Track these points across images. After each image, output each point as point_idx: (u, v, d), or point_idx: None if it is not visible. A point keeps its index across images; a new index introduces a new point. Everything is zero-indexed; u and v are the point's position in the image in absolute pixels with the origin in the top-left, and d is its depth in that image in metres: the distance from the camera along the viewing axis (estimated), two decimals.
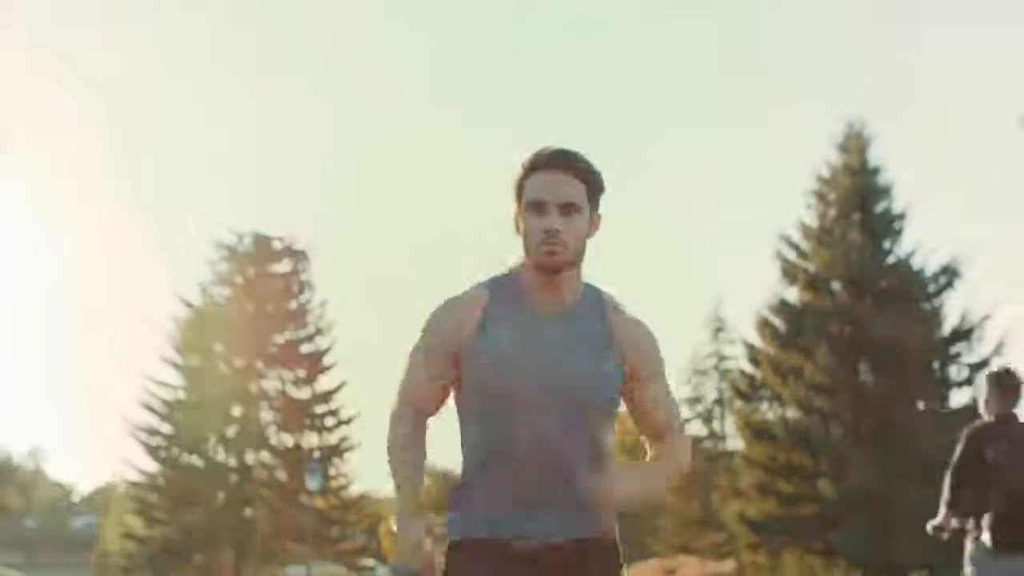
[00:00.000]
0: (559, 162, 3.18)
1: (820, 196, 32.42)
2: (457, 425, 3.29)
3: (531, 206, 3.16)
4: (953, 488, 6.61)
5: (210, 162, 74.01)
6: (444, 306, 3.25)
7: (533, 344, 3.15)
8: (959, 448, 6.62)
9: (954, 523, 6.54)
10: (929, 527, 6.82)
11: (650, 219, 69.83)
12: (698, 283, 70.04)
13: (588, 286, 3.27)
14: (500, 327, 3.17)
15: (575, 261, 3.19)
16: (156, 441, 38.76)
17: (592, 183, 3.20)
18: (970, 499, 6.48)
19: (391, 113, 78.80)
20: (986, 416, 6.66)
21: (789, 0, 72.45)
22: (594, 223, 3.23)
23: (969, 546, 6.58)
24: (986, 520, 6.40)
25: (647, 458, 3.35)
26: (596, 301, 3.25)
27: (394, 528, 3.13)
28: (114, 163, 72.70)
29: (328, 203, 74.71)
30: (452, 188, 76.68)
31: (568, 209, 3.15)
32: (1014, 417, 6.62)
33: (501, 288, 3.24)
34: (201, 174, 71.42)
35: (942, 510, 6.66)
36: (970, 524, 6.48)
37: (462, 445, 3.23)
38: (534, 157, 3.22)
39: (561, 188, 3.15)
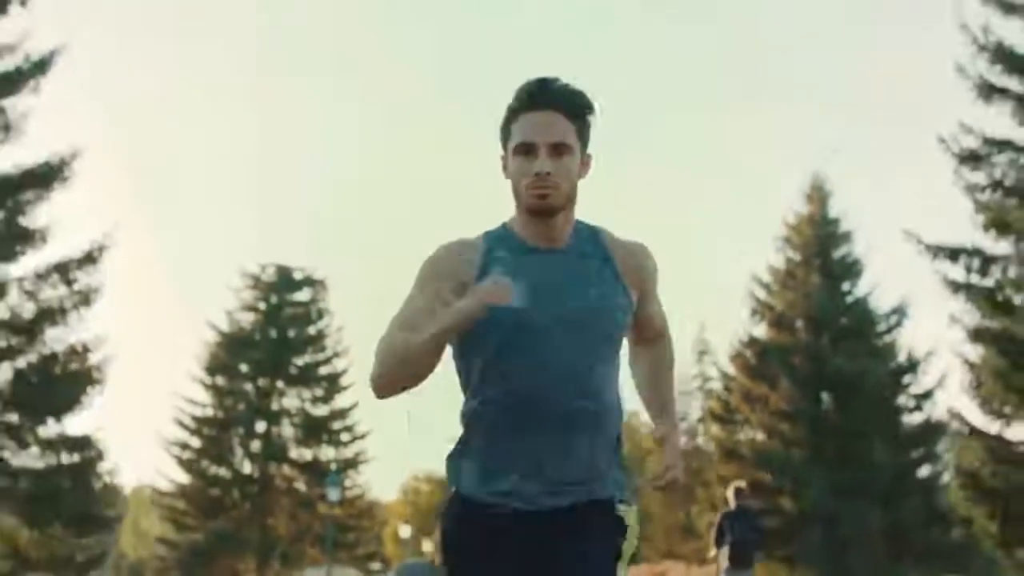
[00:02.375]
0: (547, 100, 3.14)
1: (787, 240, 37.92)
2: (458, 380, 3.27)
3: (519, 148, 3.13)
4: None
5: (234, 194, 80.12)
6: (442, 247, 3.24)
7: (540, 275, 3.15)
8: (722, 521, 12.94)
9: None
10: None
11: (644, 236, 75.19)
12: (683, 307, 75.50)
13: (579, 222, 3.28)
14: (503, 265, 3.17)
15: (567, 204, 3.18)
16: (186, 454, 43.99)
17: (582, 119, 3.18)
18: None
19: (410, 134, 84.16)
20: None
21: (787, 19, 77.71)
22: (585, 163, 3.21)
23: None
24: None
25: (641, 358, 3.51)
26: (592, 234, 3.27)
27: (446, 321, 3.02)
28: (141, 191, 78.43)
29: (343, 235, 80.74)
30: (461, 200, 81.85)
31: (558, 149, 3.12)
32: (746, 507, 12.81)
33: (497, 236, 3.24)
34: (225, 204, 77.67)
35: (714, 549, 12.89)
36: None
37: (467, 397, 3.22)
38: (519, 95, 3.18)
39: (550, 128, 3.12)
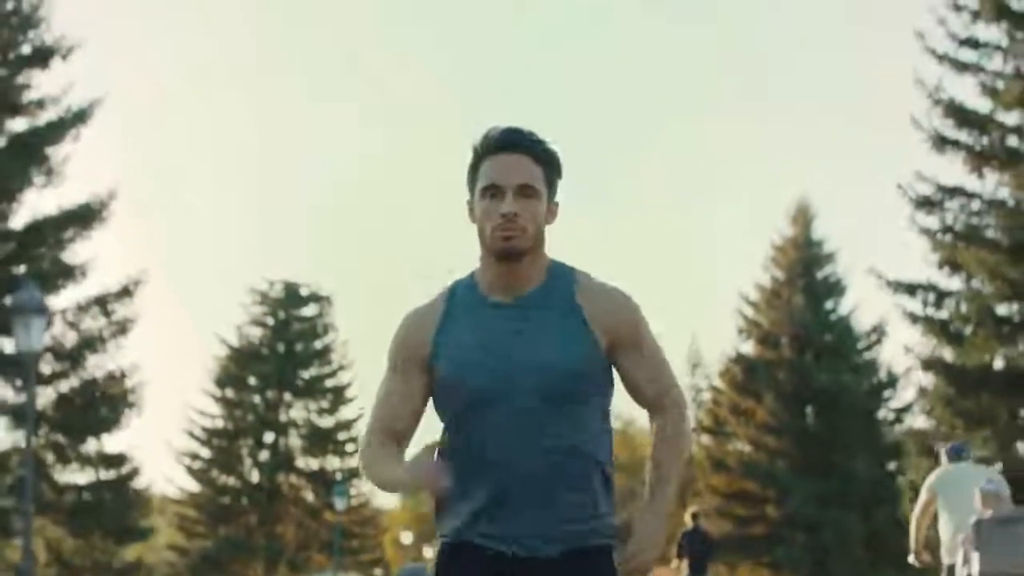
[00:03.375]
0: (514, 143, 3.15)
1: (773, 260, 40.68)
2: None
3: (486, 191, 3.13)
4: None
5: (240, 211, 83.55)
6: (403, 321, 3.27)
7: (493, 339, 3.14)
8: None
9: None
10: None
11: (641, 244, 78.10)
12: (678, 318, 78.23)
13: (554, 264, 3.24)
14: (458, 328, 3.18)
15: (534, 248, 3.16)
16: (197, 464, 46.57)
17: (550, 165, 3.18)
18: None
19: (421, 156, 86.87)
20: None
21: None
22: (551, 211, 3.21)
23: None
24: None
25: (652, 422, 3.28)
26: (563, 279, 3.21)
27: (392, 483, 3.13)
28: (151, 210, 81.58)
29: (346, 249, 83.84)
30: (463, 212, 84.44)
31: (525, 192, 3.12)
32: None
33: (461, 288, 3.24)
34: (231, 221, 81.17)
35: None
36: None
37: (445, 456, 3.23)
38: (486, 140, 3.19)
39: (517, 170, 3.12)
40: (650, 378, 3.25)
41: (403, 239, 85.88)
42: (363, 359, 47.82)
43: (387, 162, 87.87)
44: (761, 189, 78.21)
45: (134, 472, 26.55)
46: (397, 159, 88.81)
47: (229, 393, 46.56)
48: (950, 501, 9.33)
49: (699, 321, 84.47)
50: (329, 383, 47.31)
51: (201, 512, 45.99)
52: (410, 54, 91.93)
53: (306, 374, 47.06)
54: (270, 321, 47.40)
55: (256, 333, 47.31)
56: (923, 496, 9.61)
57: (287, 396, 46.69)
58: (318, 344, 47.56)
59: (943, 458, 9.71)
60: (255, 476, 46.07)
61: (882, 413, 39.52)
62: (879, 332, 39.49)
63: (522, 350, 3.12)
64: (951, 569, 9.39)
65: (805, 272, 40.00)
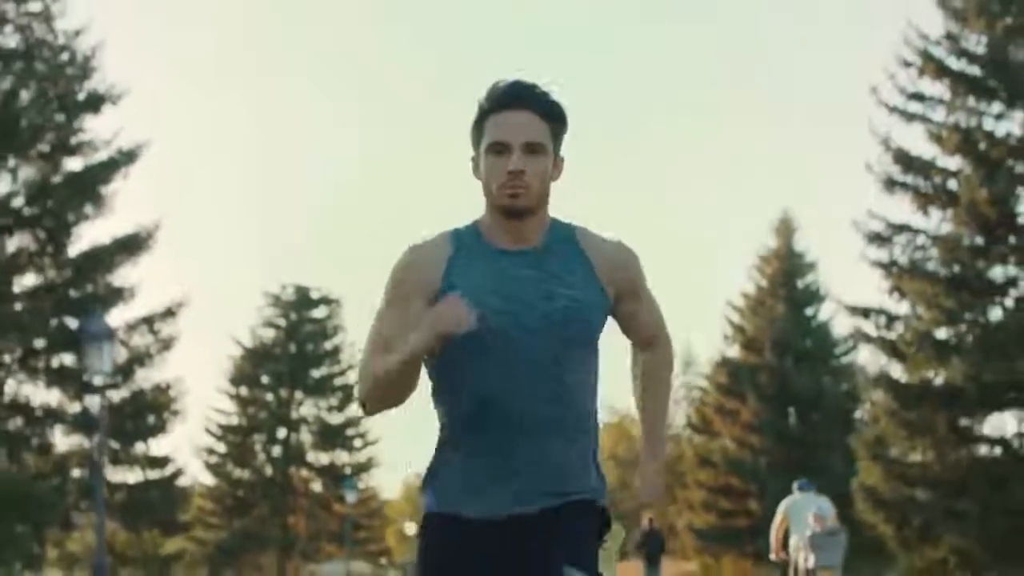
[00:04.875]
0: (521, 99, 3.21)
1: (758, 270, 44.78)
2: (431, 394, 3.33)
3: (492, 147, 3.19)
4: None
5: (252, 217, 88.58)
6: (406, 256, 3.30)
7: (509, 285, 3.21)
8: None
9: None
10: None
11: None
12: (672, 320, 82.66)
13: (554, 220, 3.33)
14: (471, 270, 3.23)
15: (539, 205, 3.23)
16: (213, 459, 50.22)
17: (557, 120, 3.25)
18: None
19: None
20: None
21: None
22: (557, 166, 3.27)
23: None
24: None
25: (638, 365, 3.52)
26: (566, 232, 3.32)
27: (407, 351, 3.12)
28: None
29: (354, 252, 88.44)
30: (468, 207, 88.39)
31: (532, 148, 3.18)
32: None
33: (466, 234, 3.30)
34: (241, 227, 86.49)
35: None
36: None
37: (438, 407, 3.31)
38: (492, 94, 3.25)
39: (524, 127, 3.18)
40: (648, 321, 3.44)
41: (403, 240, 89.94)
42: None
43: (387, 163, 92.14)
44: (756, 199, 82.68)
45: (177, 472, 30.92)
46: (396, 160, 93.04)
47: (243, 391, 49.95)
48: (795, 520, 14.31)
49: (693, 322, 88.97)
50: (338, 382, 50.67)
51: (217, 504, 49.15)
52: (410, 53, 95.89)
53: (316, 373, 50.51)
54: (282, 323, 50.81)
55: (269, 334, 50.76)
56: (778, 516, 15.04)
57: (298, 394, 50.17)
58: (328, 345, 51.03)
59: (795, 489, 14.62)
60: (268, 470, 49.60)
61: (858, 414, 43.58)
62: (856, 338, 43.58)
63: (538, 296, 3.20)
64: (795, 564, 14.72)
65: (787, 282, 44.08)
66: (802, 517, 14.86)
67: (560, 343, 3.21)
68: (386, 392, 3.22)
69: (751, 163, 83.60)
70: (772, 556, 15.52)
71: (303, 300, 51.51)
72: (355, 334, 54.97)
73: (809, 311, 44.42)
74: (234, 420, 50.14)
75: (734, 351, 44.76)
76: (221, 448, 49.83)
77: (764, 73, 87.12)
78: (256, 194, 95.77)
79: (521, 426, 3.20)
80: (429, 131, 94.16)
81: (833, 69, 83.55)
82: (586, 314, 3.24)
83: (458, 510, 3.26)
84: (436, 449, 3.33)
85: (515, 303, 3.20)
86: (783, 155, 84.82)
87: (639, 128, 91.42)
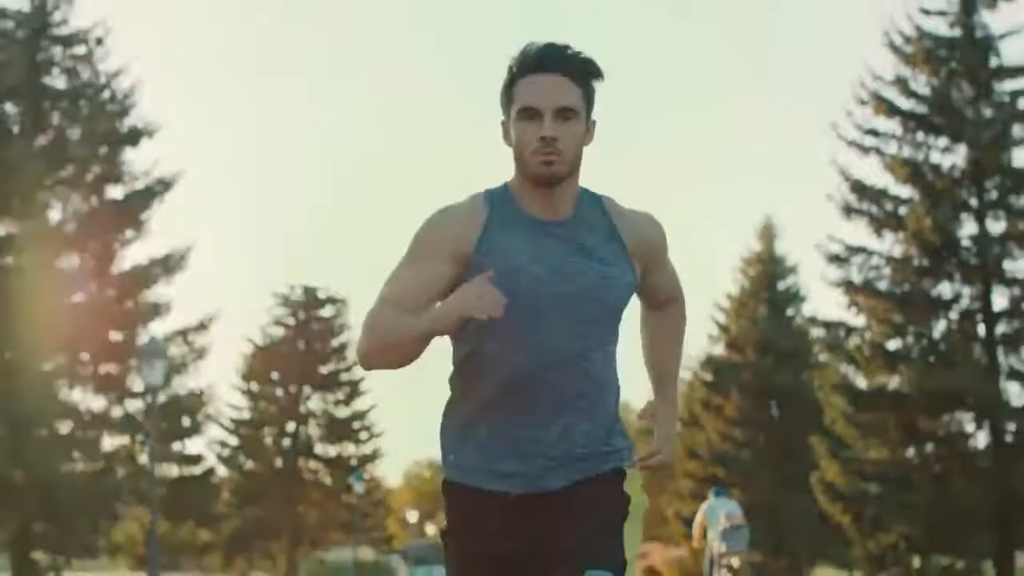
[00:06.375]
0: (553, 63, 3.23)
1: (743, 272, 49.21)
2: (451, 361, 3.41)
3: (523, 112, 3.23)
4: None
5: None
6: (439, 213, 3.32)
7: (542, 251, 3.27)
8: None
9: None
10: None
11: None
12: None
13: (583, 190, 3.39)
14: (508, 236, 3.27)
15: (572, 171, 3.28)
16: (226, 451, 53.34)
17: (589, 83, 3.29)
18: None
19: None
20: None
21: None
22: (589, 131, 3.32)
23: None
24: None
25: (649, 324, 3.67)
26: (596, 204, 3.38)
27: (425, 328, 3.17)
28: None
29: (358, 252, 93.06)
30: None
31: (564, 114, 3.22)
32: None
33: (499, 198, 3.33)
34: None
35: None
36: None
37: (460, 377, 3.38)
38: (523, 57, 3.26)
39: (556, 92, 3.21)
40: (668, 285, 3.61)
41: (404, 241, 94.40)
42: None
43: (388, 163, 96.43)
44: (743, 206, 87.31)
45: (210, 471, 35.58)
46: (398, 160, 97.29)
47: (254, 387, 53.81)
48: (711, 518, 19.05)
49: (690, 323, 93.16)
50: (344, 377, 54.33)
51: (231, 495, 51.86)
52: (409, 51, 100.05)
53: (324, 369, 54.24)
54: (291, 322, 54.68)
55: (279, 333, 54.66)
56: (699, 515, 19.71)
57: (307, 389, 53.96)
58: (335, 342, 54.74)
59: (711, 495, 19.29)
60: (279, 462, 53.21)
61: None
62: (820, 346, 48.04)
63: (573, 269, 3.26)
64: (711, 550, 19.36)
65: (768, 284, 48.53)
66: (717, 516, 19.42)
67: (589, 318, 3.30)
68: (391, 355, 3.25)
69: (740, 171, 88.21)
70: (694, 544, 20.27)
71: (311, 300, 55.30)
72: (360, 331, 59.14)
73: (790, 311, 48.83)
74: (246, 415, 53.67)
75: (719, 349, 49.22)
76: (233, 441, 53.12)
77: (760, 83, 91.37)
78: (263, 204, 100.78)
79: (547, 401, 3.27)
80: (435, 133, 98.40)
81: (819, 84, 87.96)
82: (617, 290, 3.33)
83: (482, 484, 3.33)
84: (456, 419, 3.40)
85: (552, 273, 3.26)
86: (771, 162, 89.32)
87: (631, 128, 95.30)
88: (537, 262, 3.27)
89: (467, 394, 3.36)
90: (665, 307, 3.66)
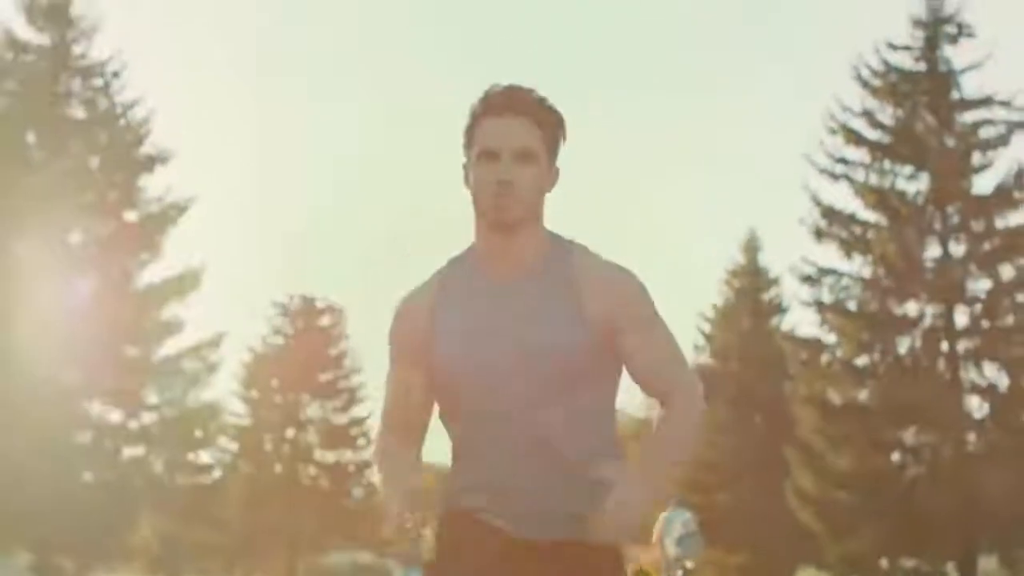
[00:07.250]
0: (513, 104, 3.22)
1: (727, 284, 51.96)
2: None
3: (482, 155, 3.21)
4: None
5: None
6: (398, 307, 3.40)
7: (482, 325, 3.26)
8: None
9: None
10: None
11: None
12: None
13: (555, 239, 3.32)
14: (450, 315, 3.30)
15: (531, 217, 3.24)
16: (226, 457, 55.60)
17: (551, 127, 3.26)
18: None
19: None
20: None
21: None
22: (551, 176, 3.28)
23: None
24: None
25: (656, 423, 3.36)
26: (563, 255, 3.29)
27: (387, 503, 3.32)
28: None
29: (355, 262, 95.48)
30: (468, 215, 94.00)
31: (523, 157, 3.19)
32: None
33: (455, 267, 3.35)
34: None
35: None
36: None
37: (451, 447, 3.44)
38: (485, 99, 3.26)
39: (514, 133, 3.19)
40: (655, 365, 3.31)
41: (406, 240, 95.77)
42: (372, 362, 58.26)
43: (388, 164, 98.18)
44: (729, 218, 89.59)
45: (222, 479, 38.38)
46: (398, 161, 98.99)
47: (254, 394, 55.68)
48: (670, 528, 21.68)
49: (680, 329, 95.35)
50: (342, 385, 56.23)
51: (232, 500, 55.38)
52: (409, 52, 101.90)
53: (322, 377, 56.01)
54: (290, 330, 57.03)
55: (278, 341, 56.86)
56: (657, 525, 22.20)
57: (305, 397, 55.72)
58: (333, 351, 56.75)
59: (670, 505, 21.95)
60: (278, 468, 55.01)
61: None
62: (795, 361, 50.67)
63: (511, 340, 3.22)
64: (667, 555, 21.59)
65: (752, 296, 51.28)
66: (673, 525, 21.64)
67: (535, 380, 3.23)
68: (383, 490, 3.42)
69: (725, 183, 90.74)
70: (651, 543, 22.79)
71: (309, 309, 57.54)
72: (357, 340, 61.64)
73: (773, 322, 51.58)
74: (245, 421, 55.52)
75: (704, 358, 51.96)
76: (233, 447, 54.73)
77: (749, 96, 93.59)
78: (265, 214, 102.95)
79: (510, 471, 3.26)
80: (426, 126, 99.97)
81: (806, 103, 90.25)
82: (559, 351, 3.22)
83: (466, 505, 3.36)
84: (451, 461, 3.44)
85: (489, 347, 3.25)
86: (756, 182, 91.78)
87: (637, 121, 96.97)
88: (472, 334, 3.27)
89: (452, 461, 3.47)
90: (664, 402, 3.38)
